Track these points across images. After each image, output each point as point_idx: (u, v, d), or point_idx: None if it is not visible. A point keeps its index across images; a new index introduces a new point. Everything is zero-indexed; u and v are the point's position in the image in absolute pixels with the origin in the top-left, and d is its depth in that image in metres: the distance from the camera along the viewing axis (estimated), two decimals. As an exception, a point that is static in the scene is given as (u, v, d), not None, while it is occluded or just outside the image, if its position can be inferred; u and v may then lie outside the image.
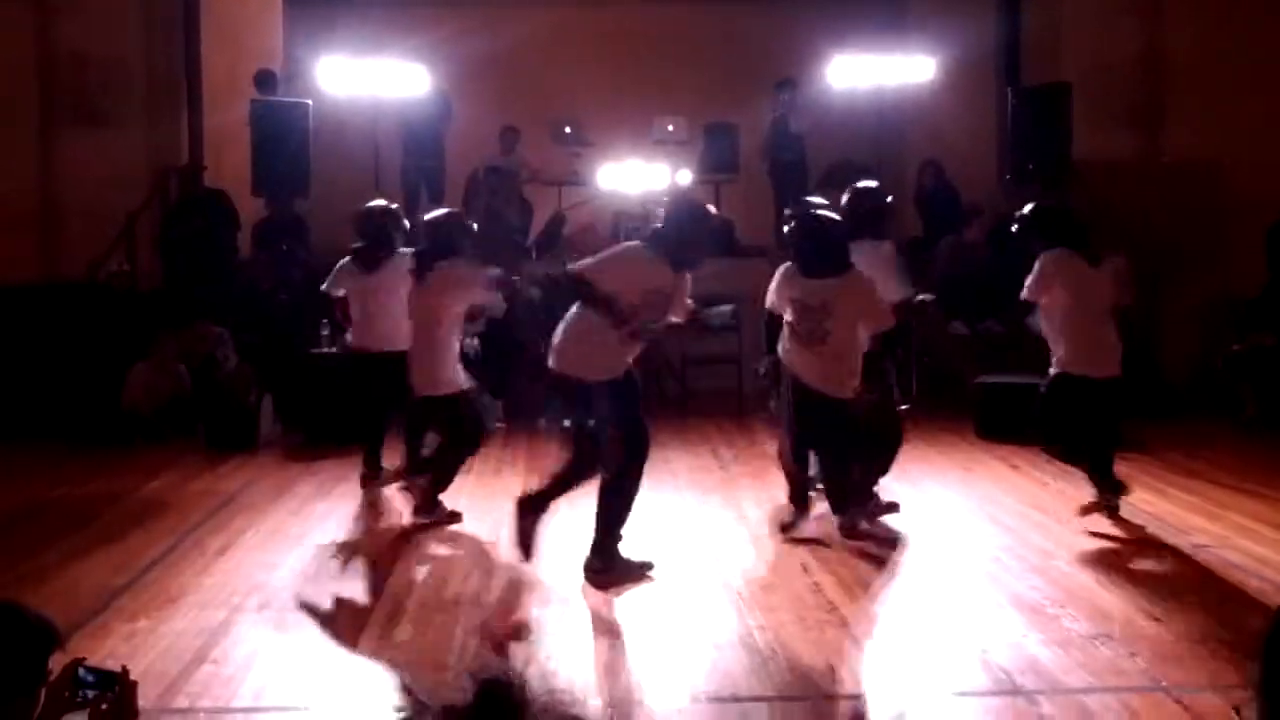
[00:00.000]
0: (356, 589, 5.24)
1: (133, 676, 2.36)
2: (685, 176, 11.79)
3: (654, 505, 6.74)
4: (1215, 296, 10.68)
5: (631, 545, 5.41)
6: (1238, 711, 1.36)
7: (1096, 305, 6.12)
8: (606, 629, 4.71)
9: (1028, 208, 6.40)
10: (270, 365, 9.29)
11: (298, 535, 6.13)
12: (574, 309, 5.29)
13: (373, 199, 10.81)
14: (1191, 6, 11.22)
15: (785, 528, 6.01)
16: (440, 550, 5.91)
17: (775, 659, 4.35)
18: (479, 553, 5.82)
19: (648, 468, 5.38)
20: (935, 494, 6.23)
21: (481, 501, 6.80)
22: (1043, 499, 6.69)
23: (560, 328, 5.31)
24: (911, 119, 12.28)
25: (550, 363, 5.29)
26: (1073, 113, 9.49)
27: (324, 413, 8.82)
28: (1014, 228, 6.36)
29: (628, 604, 5.03)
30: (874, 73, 10.91)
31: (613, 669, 4.29)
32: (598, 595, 5.12)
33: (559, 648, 4.45)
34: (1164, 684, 4.10)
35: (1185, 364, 10.64)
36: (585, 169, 12.35)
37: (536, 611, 4.88)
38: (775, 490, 7.02)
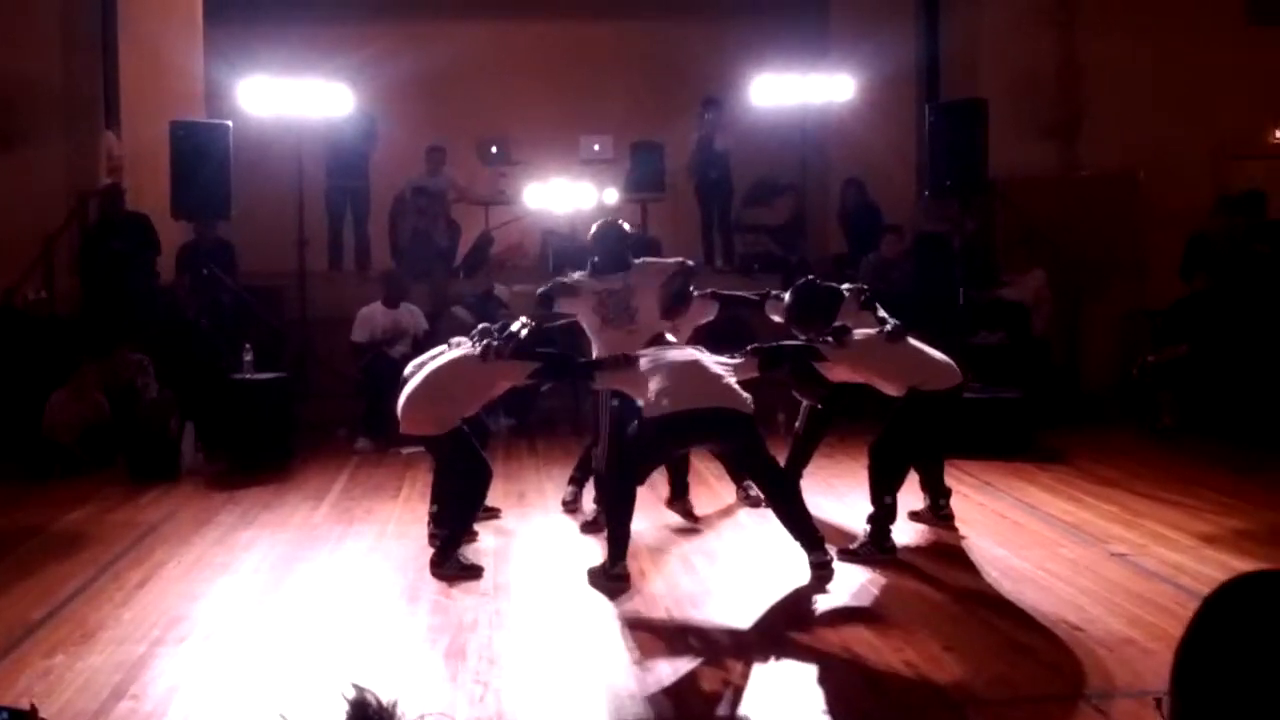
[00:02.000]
0: (279, 620, 5.16)
1: (47, 715, 2.31)
2: (611, 195, 11.83)
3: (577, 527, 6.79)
4: (1132, 307, 10.93)
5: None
6: (1158, 704, 1.40)
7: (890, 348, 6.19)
8: (529, 655, 4.69)
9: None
10: (193, 392, 9.15)
11: (221, 565, 6.03)
12: None
13: (296, 221, 10.84)
14: (1105, 22, 11.52)
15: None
16: (364, 579, 5.85)
17: (679, 686, 4.37)
18: (402, 583, 5.75)
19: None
20: (859, 507, 6.28)
21: (411, 527, 6.75)
22: (963, 511, 6.78)
23: None
24: (834, 137, 12.44)
25: None
26: (990, 128, 9.66)
27: (248, 440, 8.71)
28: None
29: (556, 628, 5.02)
30: (796, 91, 11.03)
31: (529, 697, 4.27)
32: (519, 620, 5.11)
33: (483, 670, 4.43)
34: (1085, 692, 4.17)
35: (1104, 374, 10.87)
36: (512, 188, 12.37)
37: (462, 638, 4.84)
38: (707, 511, 7.09)
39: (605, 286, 6.63)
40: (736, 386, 5.68)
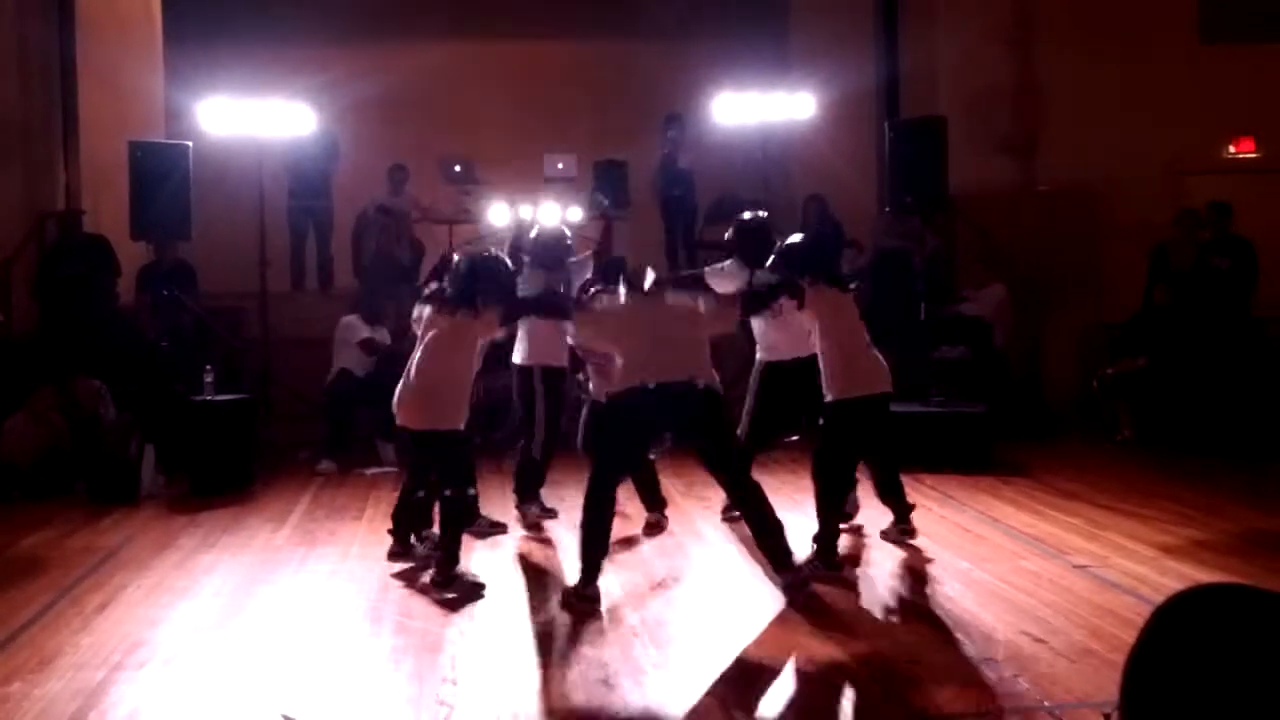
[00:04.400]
0: (240, 644, 5.11)
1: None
2: (575, 214, 11.84)
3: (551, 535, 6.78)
4: (1091, 321, 11.05)
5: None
6: (1107, 718, 1.41)
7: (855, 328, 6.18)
8: (492, 676, 4.67)
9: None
10: (153, 414, 9.06)
11: (182, 589, 5.96)
12: None
13: (257, 241, 10.77)
14: (1061, 41, 11.68)
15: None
16: (327, 601, 5.80)
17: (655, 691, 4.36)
18: (364, 604, 5.70)
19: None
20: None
21: (375, 548, 6.71)
22: (926, 524, 6.81)
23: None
24: (796, 154, 12.52)
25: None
26: (949, 144, 9.75)
27: (208, 462, 8.63)
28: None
29: (520, 649, 5.00)
30: (758, 109, 11.10)
31: (492, 718, 4.26)
32: (482, 641, 5.09)
33: (446, 692, 4.40)
34: (1047, 703, 4.20)
35: (1064, 387, 10.97)
36: (476, 207, 12.33)
37: (425, 660, 4.82)
38: (673, 528, 7.08)
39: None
40: (708, 359, 5.59)
